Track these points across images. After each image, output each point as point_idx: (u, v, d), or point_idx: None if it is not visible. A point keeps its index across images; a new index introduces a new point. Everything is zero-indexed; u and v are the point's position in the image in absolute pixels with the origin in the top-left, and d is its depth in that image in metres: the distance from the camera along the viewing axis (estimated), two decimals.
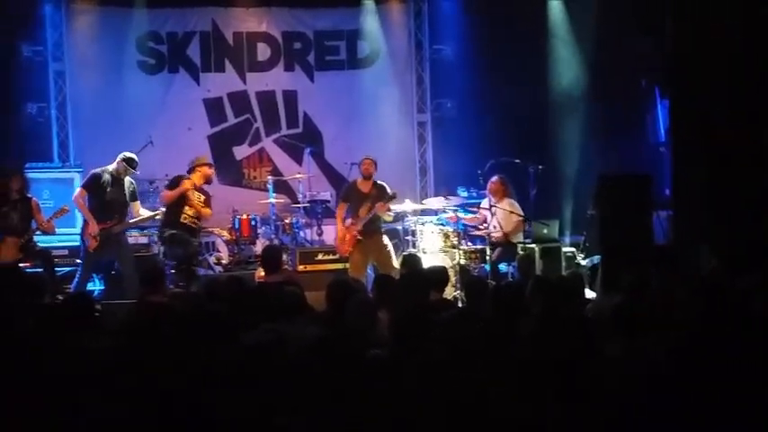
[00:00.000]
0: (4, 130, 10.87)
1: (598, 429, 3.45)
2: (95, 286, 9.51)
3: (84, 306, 5.05)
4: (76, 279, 8.83)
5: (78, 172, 10.33)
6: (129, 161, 8.91)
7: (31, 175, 9.84)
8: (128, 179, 9.01)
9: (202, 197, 9.25)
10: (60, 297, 8.17)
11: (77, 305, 5.08)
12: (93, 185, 8.86)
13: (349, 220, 9.23)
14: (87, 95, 11.60)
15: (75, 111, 11.60)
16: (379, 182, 9.33)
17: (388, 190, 9.28)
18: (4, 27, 10.85)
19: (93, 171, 9.05)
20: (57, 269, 9.04)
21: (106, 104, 11.56)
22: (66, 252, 9.44)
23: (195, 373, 3.65)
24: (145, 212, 9.13)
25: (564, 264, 9.41)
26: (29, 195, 8.91)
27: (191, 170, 9.30)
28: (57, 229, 9.01)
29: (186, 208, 9.13)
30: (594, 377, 3.62)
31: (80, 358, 4.11)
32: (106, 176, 8.89)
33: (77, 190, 8.93)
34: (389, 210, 9.30)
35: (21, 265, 8.55)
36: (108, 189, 8.84)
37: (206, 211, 9.23)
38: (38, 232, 8.84)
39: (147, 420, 3.33)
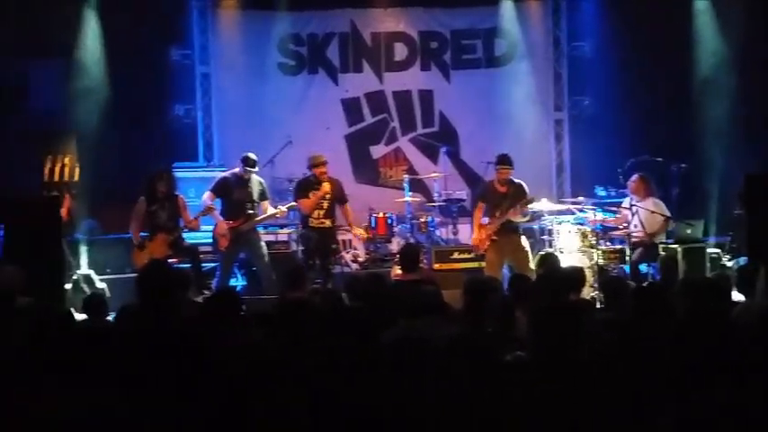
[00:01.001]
0: (153, 130, 11.38)
1: None
2: (238, 282, 9.81)
3: (231, 301, 5.21)
4: (217, 277, 9.14)
5: (222, 171, 10.71)
6: (243, 160, 9.13)
7: (177, 174, 10.26)
8: (255, 179, 9.24)
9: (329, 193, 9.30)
10: (206, 292, 8.51)
11: (224, 300, 5.25)
12: (220, 188, 9.18)
13: (486, 220, 9.18)
14: (231, 97, 12.02)
15: (219, 112, 12.04)
16: (516, 181, 9.20)
17: (526, 189, 9.14)
18: (155, 32, 11.36)
19: (221, 175, 9.40)
20: (203, 265, 9.36)
21: (248, 105, 11.94)
22: (210, 248, 9.75)
23: (338, 370, 3.72)
24: (272, 210, 9.33)
25: (708, 265, 9.11)
26: (176, 194, 9.25)
27: (312, 167, 9.34)
28: (201, 227, 9.33)
29: (315, 211, 9.26)
30: (739, 384, 3.50)
31: (229, 354, 4.24)
32: (232, 179, 9.19)
33: (206, 194, 9.23)
34: (523, 215, 9.13)
35: (169, 261, 8.87)
36: (234, 190, 9.12)
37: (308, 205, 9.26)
38: (185, 230, 9.17)
39: (297, 416, 3.42)
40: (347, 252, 10.66)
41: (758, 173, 8.72)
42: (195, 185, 10.54)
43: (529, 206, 9.13)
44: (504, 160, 9.14)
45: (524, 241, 9.22)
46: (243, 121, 11.87)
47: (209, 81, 12.03)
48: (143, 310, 4.70)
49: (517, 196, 9.04)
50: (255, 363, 3.89)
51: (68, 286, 8.97)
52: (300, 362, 3.92)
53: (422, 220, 10.97)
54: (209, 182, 9.62)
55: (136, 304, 5.11)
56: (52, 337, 3.88)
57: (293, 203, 9.51)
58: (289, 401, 3.52)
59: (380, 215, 10.76)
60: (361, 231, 9.83)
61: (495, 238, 9.07)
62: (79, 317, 5.86)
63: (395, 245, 10.75)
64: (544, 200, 9.89)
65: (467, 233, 11.34)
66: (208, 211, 9.07)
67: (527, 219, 9.33)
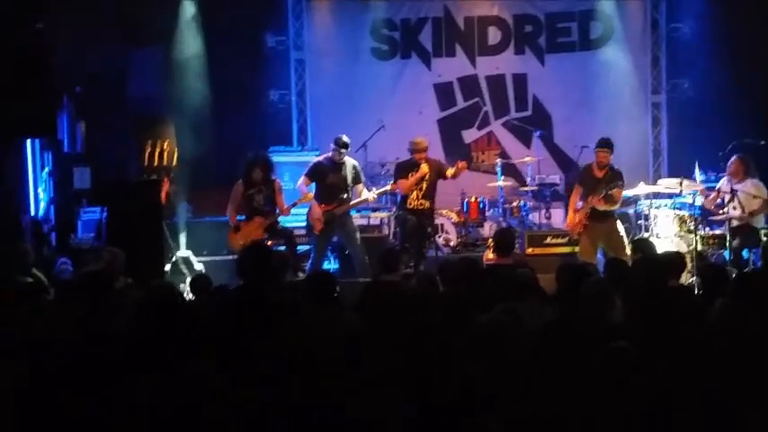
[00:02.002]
0: (249, 116, 11.57)
1: None
2: (331, 265, 9.92)
3: (327, 283, 5.29)
4: (311, 260, 9.25)
5: (316, 155, 10.81)
6: (336, 142, 9.17)
7: (273, 158, 10.41)
8: (350, 162, 9.30)
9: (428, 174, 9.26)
10: (301, 274, 8.63)
11: (320, 282, 5.34)
12: (314, 173, 9.24)
13: (580, 204, 9.07)
14: (325, 82, 12.13)
15: (313, 97, 12.16)
16: (616, 167, 9.05)
17: (621, 177, 8.98)
18: (251, 18, 11.55)
19: (315, 159, 9.51)
20: (297, 248, 9.49)
21: (341, 91, 12.03)
22: (304, 231, 9.88)
23: (432, 352, 3.75)
24: (366, 194, 9.38)
25: None
26: (273, 178, 9.38)
27: (413, 152, 9.34)
28: (296, 210, 9.46)
29: (413, 193, 9.27)
30: None
31: (322, 333, 4.31)
32: (326, 163, 9.26)
33: (300, 179, 9.32)
34: (608, 201, 8.95)
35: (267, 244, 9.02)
36: (328, 174, 9.19)
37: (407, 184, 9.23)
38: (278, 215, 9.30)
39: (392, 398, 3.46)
40: (439, 236, 10.65)
41: None
42: (289, 170, 10.66)
43: (615, 194, 8.91)
44: (603, 143, 9.02)
45: (619, 226, 9.06)
46: (336, 105, 11.96)
47: (303, 67, 12.17)
48: (244, 290, 4.81)
49: (613, 182, 8.89)
50: (350, 345, 3.95)
51: (167, 268, 9.20)
52: (393, 343, 3.96)
53: (514, 204, 10.90)
54: (303, 166, 9.71)
55: (232, 285, 5.24)
56: (163, 314, 3.99)
57: (385, 188, 9.56)
58: (381, 384, 3.56)
59: (473, 199, 10.73)
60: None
61: (587, 222, 8.97)
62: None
63: (487, 229, 10.72)
64: (641, 184, 9.69)
65: (560, 218, 11.24)
66: (305, 198, 9.17)
67: (614, 206, 9.11)
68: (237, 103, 11.50)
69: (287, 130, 12.11)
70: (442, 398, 3.54)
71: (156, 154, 10.17)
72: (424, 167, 9.19)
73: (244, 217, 9.18)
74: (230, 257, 9.10)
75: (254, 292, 4.69)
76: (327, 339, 4.17)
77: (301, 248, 9.68)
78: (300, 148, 11.71)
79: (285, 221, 9.55)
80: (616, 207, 9.11)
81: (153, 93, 11.06)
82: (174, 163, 10.25)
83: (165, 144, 10.22)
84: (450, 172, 9.28)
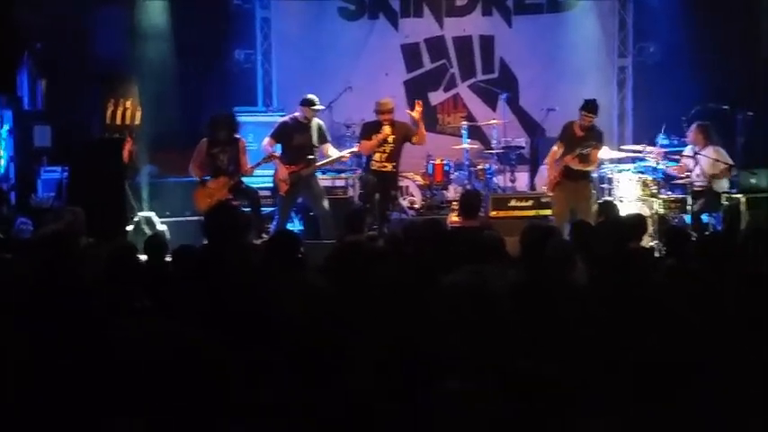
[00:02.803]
0: (213, 75, 11.45)
1: None
2: (295, 227, 9.89)
3: (290, 244, 5.26)
4: (275, 222, 9.21)
5: (281, 116, 10.72)
6: (304, 102, 9.12)
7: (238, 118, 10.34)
8: (315, 122, 9.24)
9: (392, 137, 9.27)
10: (264, 236, 8.59)
11: (283, 243, 5.30)
12: (280, 133, 9.18)
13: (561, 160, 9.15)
14: (291, 42, 12.00)
15: (278, 57, 12.03)
16: (598, 129, 9.16)
17: (600, 138, 9.10)
18: None
19: (281, 119, 9.43)
20: (262, 209, 9.44)
21: (308, 51, 11.91)
22: (269, 193, 9.83)
23: (399, 312, 3.75)
24: (334, 153, 9.35)
25: None
26: (237, 137, 9.31)
27: (378, 113, 9.33)
28: (261, 171, 9.40)
29: (376, 154, 9.26)
30: None
31: (289, 296, 4.29)
32: (292, 123, 9.19)
33: (266, 139, 9.25)
34: (582, 161, 9.05)
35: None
36: (294, 135, 9.13)
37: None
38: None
39: (355, 357, 3.45)
40: (404, 198, 10.66)
41: None
42: (254, 130, 10.56)
43: (590, 155, 9.03)
44: (588, 106, 9.09)
45: (591, 190, 9.22)
46: (302, 66, 11.84)
47: (269, 26, 12.02)
48: (208, 250, 4.77)
49: (593, 141, 9.02)
50: (315, 305, 3.93)
51: (130, 228, 9.12)
52: (359, 303, 3.96)
53: (479, 167, 10.90)
54: (268, 127, 9.65)
55: (195, 245, 5.21)
56: (122, 273, 3.96)
57: (352, 149, 9.54)
58: (348, 344, 3.56)
59: (438, 162, 10.71)
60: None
61: (560, 180, 9.08)
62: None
63: (452, 192, 10.73)
64: (605, 148, 9.76)
65: (524, 181, 11.30)
66: (270, 158, 9.12)
67: (590, 167, 9.22)
68: (202, 63, 11.38)
69: (252, 90, 11.98)
70: (410, 358, 3.54)
71: (119, 113, 10.02)
72: (387, 129, 9.16)
73: (208, 177, 9.10)
74: (194, 218, 9.03)
75: (216, 251, 4.66)
76: (292, 299, 4.16)
77: (266, 210, 9.64)
78: (266, 109, 11.60)
79: (250, 182, 9.49)
80: (592, 168, 9.22)
81: (116, 51, 10.86)
82: (137, 122, 10.10)
83: (128, 103, 10.07)
84: (414, 138, 9.29)
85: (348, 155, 9.60)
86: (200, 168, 9.09)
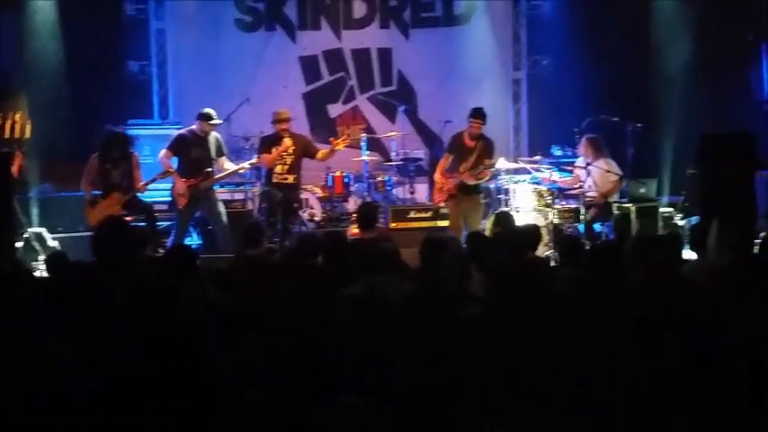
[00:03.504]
0: (107, 87, 11.19)
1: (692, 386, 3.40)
2: (194, 241, 9.75)
3: (186, 257, 5.19)
4: (172, 236, 9.07)
5: (178, 128, 10.57)
6: (201, 116, 9.05)
7: (132, 131, 10.14)
8: (213, 135, 9.15)
9: (292, 149, 9.29)
10: (161, 251, 8.43)
11: (179, 257, 5.23)
12: (177, 145, 9.07)
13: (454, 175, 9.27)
14: (187, 53, 11.84)
15: (175, 69, 11.86)
16: (487, 137, 9.32)
17: (493, 149, 9.27)
18: None
19: (177, 132, 9.33)
20: (158, 223, 9.28)
21: (205, 62, 11.77)
22: (166, 207, 9.68)
23: (296, 325, 3.73)
24: (231, 166, 9.28)
25: (661, 224, 9.25)
26: (131, 152, 9.14)
27: (275, 122, 9.33)
28: (159, 185, 9.26)
29: (277, 167, 9.25)
30: (698, 339, 3.56)
31: (184, 309, 4.23)
32: (189, 136, 9.09)
33: (162, 151, 9.13)
34: (477, 179, 9.26)
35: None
36: (192, 148, 9.03)
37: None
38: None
39: (252, 371, 3.42)
40: (304, 211, 10.62)
41: (712, 133, 8.82)
42: (150, 143, 10.41)
43: (488, 170, 9.24)
44: (476, 114, 9.22)
45: (480, 201, 9.40)
46: (199, 78, 11.70)
47: (164, 37, 11.83)
48: (99, 267, 4.66)
49: (484, 154, 9.16)
50: (210, 318, 3.89)
51: (20, 245, 8.84)
52: (256, 317, 3.92)
53: (379, 179, 10.94)
54: (164, 140, 9.50)
55: (89, 261, 5.07)
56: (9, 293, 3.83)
57: (252, 161, 9.46)
58: (244, 356, 3.52)
59: (337, 174, 10.71)
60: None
61: (455, 193, 9.20)
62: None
63: (352, 204, 10.74)
64: (501, 159, 9.94)
65: (424, 192, 11.39)
66: (166, 173, 8.98)
67: (483, 181, 9.42)
68: (95, 74, 11.10)
69: (147, 103, 11.77)
70: (308, 371, 3.53)
71: (8, 126, 9.73)
72: (287, 141, 9.17)
73: (101, 192, 8.90)
74: (87, 234, 8.80)
75: (108, 267, 4.55)
76: (188, 314, 4.09)
77: (163, 224, 9.48)
78: (161, 121, 11.42)
79: (146, 196, 9.32)
80: (483, 181, 9.40)
81: (3, 63, 10.57)
82: (27, 135, 9.81)
83: (17, 116, 9.78)
84: (322, 154, 9.32)
85: (248, 167, 9.52)
86: (91, 185, 8.89)
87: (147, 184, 9.00)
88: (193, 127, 9.14)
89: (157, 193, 9.60)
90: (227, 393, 3.38)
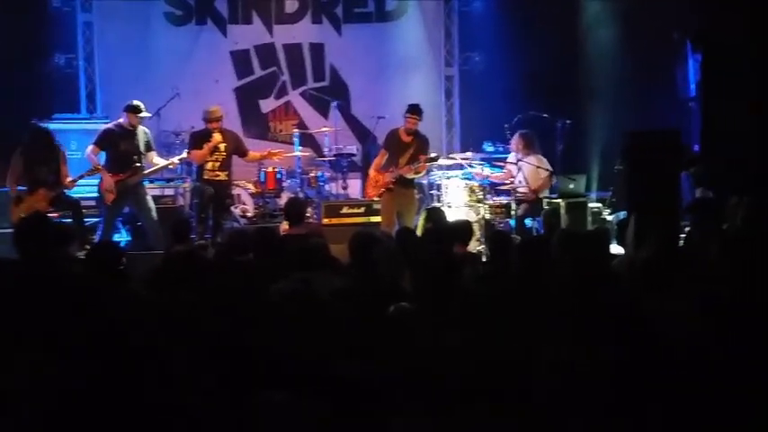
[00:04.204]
0: (32, 80, 10.95)
1: (624, 382, 3.45)
2: (122, 237, 9.60)
3: (110, 254, 5.10)
4: (99, 232, 8.91)
5: (105, 123, 10.38)
6: (129, 108, 8.92)
7: (58, 126, 9.93)
8: (141, 130, 9.03)
9: (223, 145, 9.23)
10: (88, 247, 8.27)
11: (103, 253, 5.13)
12: (105, 140, 8.92)
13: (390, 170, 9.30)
14: (115, 47, 11.63)
15: (102, 62, 11.64)
16: (422, 134, 9.40)
17: (428, 145, 9.37)
18: None
19: (104, 126, 9.17)
20: (85, 219, 9.11)
21: (133, 56, 11.57)
22: (94, 203, 9.50)
23: (225, 322, 3.69)
24: (160, 161, 9.16)
25: (590, 219, 9.39)
26: (57, 147, 8.94)
27: (207, 121, 9.25)
28: (86, 181, 9.08)
29: (208, 164, 9.17)
30: (623, 331, 3.62)
31: (110, 306, 4.15)
32: (117, 130, 8.95)
33: (89, 147, 8.97)
34: (416, 172, 9.35)
35: (50, 215, 8.60)
36: (120, 142, 8.89)
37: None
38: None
39: (180, 368, 3.38)
40: (236, 207, 10.53)
41: (639, 129, 8.96)
42: (77, 138, 10.22)
43: (426, 164, 9.33)
44: (413, 110, 9.31)
45: (415, 196, 9.45)
46: (128, 71, 11.48)
47: (91, 30, 11.60)
48: (22, 264, 4.55)
49: (420, 149, 9.23)
50: (137, 315, 3.83)
51: None
52: (185, 313, 3.87)
53: (312, 174, 10.90)
54: (91, 134, 9.34)
55: (12, 258, 4.95)
56: None
57: (182, 156, 9.34)
58: (172, 353, 3.47)
59: (270, 170, 10.61)
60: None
61: (391, 187, 9.25)
62: None
63: (284, 200, 10.64)
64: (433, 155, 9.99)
65: (356, 188, 11.39)
66: (94, 170, 8.82)
67: (420, 175, 9.50)
68: (19, 67, 10.84)
69: (74, 97, 11.52)
70: (236, 367, 3.49)
71: None
72: (217, 137, 9.13)
73: (25, 188, 8.69)
74: (12, 230, 8.59)
75: (30, 264, 4.45)
76: (113, 310, 4.02)
77: (90, 220, 9.30)
78: (89, 116, 11.20)
79: (73, 192, 9.13)
80: (420, 176, 9.47)
81: None
82: None
83: None
84: (252, 156, 9.28)
85: (177, 162, 9.39)
86: (15, 181, 8.67)
87: (74, 181, 8.82)
88: (121, 120, 8.99)
89: (85, 188, 9.42)
90: (159, 393, 3.34)
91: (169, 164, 9.21)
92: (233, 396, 3.27)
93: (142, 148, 8.98)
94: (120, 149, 8.88)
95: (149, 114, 9.23)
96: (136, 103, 8.94)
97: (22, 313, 3.90)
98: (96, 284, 4.51)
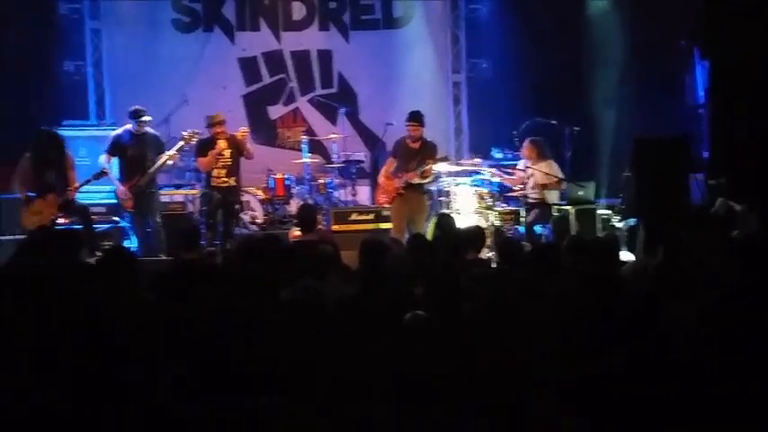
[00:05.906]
0: (41, 87, 10.99)
1: (630, 387, 3.44)
2: (131, 243, 9.61)
3: (123, 261, 5.10)
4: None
5: (114, 130, 10.40)
6: (132, 114, 9.01)
7: (67, 132, 9.94)
8: (150, 133, 9.16)
9: (228, 151, 9.23)
10: (99, 253, 8.29)
11: (114, 259, 5.14)
12: (114, 147, 9.05)
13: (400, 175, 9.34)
14: (123, 54, 11.66)
15: (111, 69, 11.68)
16: (429, 140, 9.41)
17: (436, 150, 9.37)
18: None
19: (114, 133, 9.26)
20: (95, 226, 9.14)
21: (141, 63, 11.61)
22: (104, 209, 9.54)
23: (234, 329, 3.69)
24: (164, 157, 9.16)
25: (599, 226, 9.36)
26: (65, 153, 8.96)
27: (209, 126, 9.28)
28: (99, 187, 9.17)
29: (215, 170, 9.19)
30: (632, 337, 3.61)
31: (121, 313, 4.16)
32: (125, 135, 9.06)
33: (102, 156, 9.07)
34: (422, 177, 9.35)
35: (59, 221, 8.64)
36: (128, 148, 9.00)
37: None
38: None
39: (191, 373, 3.38)
40: (245, 214, 10.55)
41: (646, 136, 8.96)
42: (86, 145, 10.27)
43: (433, 168, 9.31)
44: (413, 117, 9.33)
45: (426, 202, 9.45)
46: (136, 78, 11.51)
47: (99, 37, 11.64)
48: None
49: (428, 155, 9.26)
50: (147, 322, 3.83)
51: None
52: (194, 321, 3.87)
53: (320, 181, 10.91)
54: (101, 141, 9.41)
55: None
56: None
57: (179, 144, 9.29)
58: (181, 361, 3.48)
59: (278, 176, 10.66)
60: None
61: (402, 191, 9.25)
62: None
63: (293, 206, 10.68)
64: (446, 163, 9.98)
65: (365, 195, 11.40)
66: (102, 174, 8.86)
67: (428, 180, 9.47)
68: (29, 74, 10.90)
69: (83, 104, 11.56)
70: (246, 374, 3.49)
71: None
72: (222, 143, 9.15)
73: (35, 194, 8.71)
74: (22, 237, 8.61)
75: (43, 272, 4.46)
76: (124, 317, 4.03)
77: (100, 227, 9.35)
78: (98, 123, 11.24)
79: (83, 198, 9.17)
80: (428, 181, 9.44)
81: None
82: None
83: None
84: (244, 154, 9.26)
85: (175, 153, 9.31)
86: (24, 186, 8.70)
87: (78, 187, 8.84)
88: (128, 126, 9.08)
89: (96, 195, 9.48)
90: (161, 397, 3.35)
91: (168, 158, 9.19)
92: (230, 400, 3.28)
93: (152, 152, 9.03)
94: (128, 154, 8.99)
95: (150, 118, 9.22)
96: (136, 108, 9.07)
97: (31, 323, 3.91)
98: (105, 293, 4.51)
